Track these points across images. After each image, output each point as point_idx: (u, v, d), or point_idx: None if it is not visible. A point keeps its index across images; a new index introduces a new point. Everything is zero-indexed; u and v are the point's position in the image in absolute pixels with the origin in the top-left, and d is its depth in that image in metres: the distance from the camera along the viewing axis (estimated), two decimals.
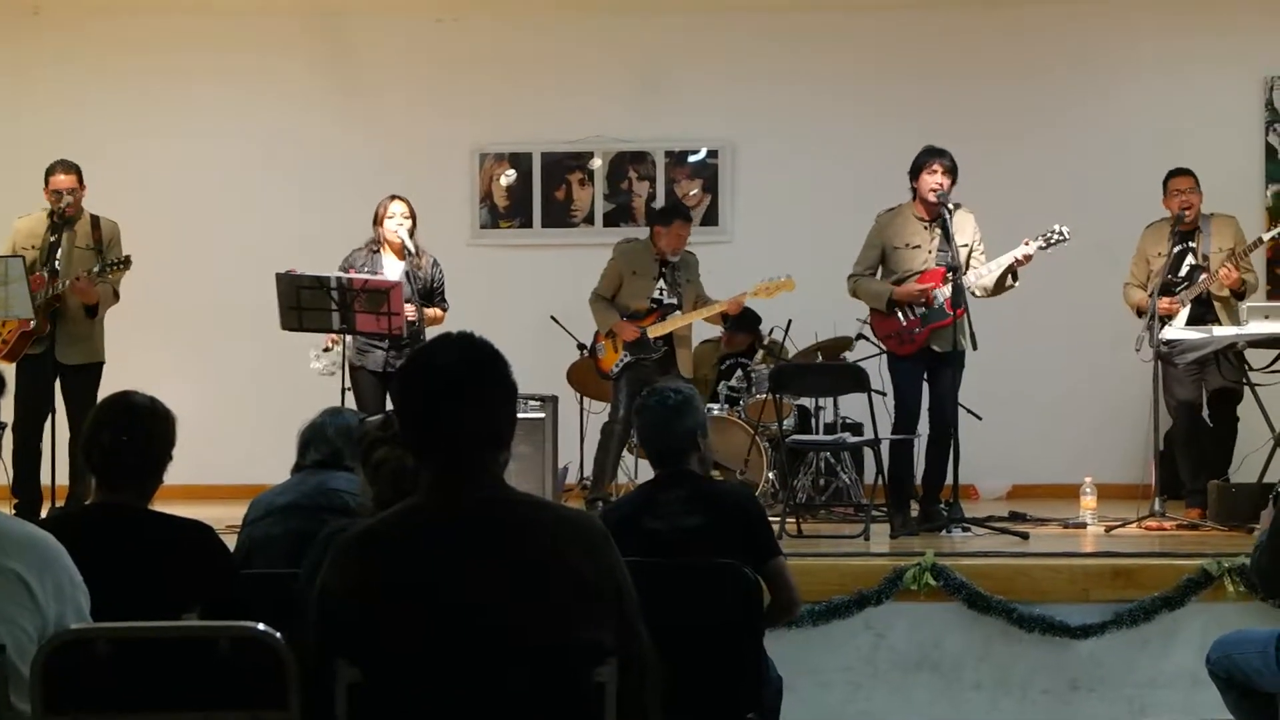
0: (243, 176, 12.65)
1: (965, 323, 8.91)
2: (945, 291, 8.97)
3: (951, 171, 9.03)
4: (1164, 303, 9.55)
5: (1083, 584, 7.72)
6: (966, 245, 9.13)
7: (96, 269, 9.36)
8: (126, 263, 9.43)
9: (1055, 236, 9.12)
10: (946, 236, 9.02)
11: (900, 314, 9.13)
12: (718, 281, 10.41)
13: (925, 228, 9.12)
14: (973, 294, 9.11)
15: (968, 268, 9.10)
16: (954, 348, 8.98)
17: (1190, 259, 9.75)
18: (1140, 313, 9.69)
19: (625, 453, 10.73)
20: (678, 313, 10.21)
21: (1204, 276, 9.63)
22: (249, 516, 5.64)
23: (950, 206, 8.99)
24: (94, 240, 9.54)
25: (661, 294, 10.27)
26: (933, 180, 9.00)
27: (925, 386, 9.24)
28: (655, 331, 10.15)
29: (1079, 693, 7.67)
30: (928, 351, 9.13)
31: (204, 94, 12.71)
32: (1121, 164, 12.13)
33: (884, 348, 9.49)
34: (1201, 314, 9.65)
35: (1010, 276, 9.15)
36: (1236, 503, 9.18)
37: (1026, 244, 9.03)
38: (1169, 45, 12.53)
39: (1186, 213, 9.68)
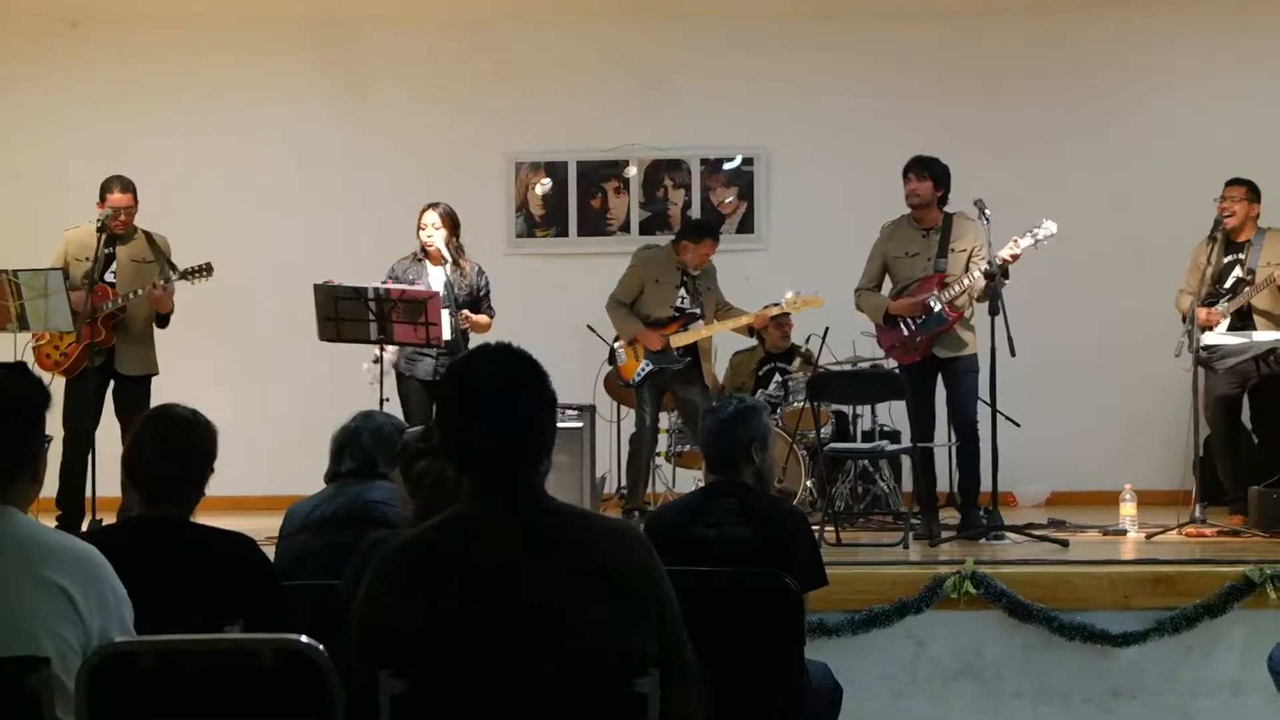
0: (282, 187, 12.72)
1: (1004, 326, 8.85)
2: (942, 297, 9.00)
3: (925, 176, 9.15)
4: (1204, 314, 9.50)
5: (1124, 591, 7.68)
6: (965, 251, 9.14)
7: (176, 276, 9.46)
8: (208, 269, 9.57)
9: (1042, 233, 9.07)
10: (944, 243, 9.08)
11: (902, 324, 9.18)
12: (754, 290, 10.41)
13: (923, 236, 9.20)
14: (972, 298, 9.09)
15: (967, 272, 9.11)
16: (961, 351, 9.00)
17: (1238, 270, 9.69)
18: (1185, 319, 9.64)
19: (663, 461, 10.74)
20: (699, 322, 10.20)
21: (1248, 289, 9.55)
22: (284, 529, 5.64)
23: (947, 213, 9.07)
24: (152, 254, 9.62)
25: (684, 302, 10.26)
26: (906, 188, 9.18)
27: (943, 393, 9.26)
28: (679, 341, 10.14)
29: (1120, 701, 7.63)
30: (933, 358, 9.15)
31: (242, 104, 12.79)
32: (1156, 168, 12.12)
33: (892, 360, 9.53)
34: (1242, 326, 9.57)
35: (1003, 275, 9.06)
36: (1277, 508, 9.13)
37: (1015, 241, 9.00)
38: (1205, 48, 12.51)
39: (1226, 219, 9.63)
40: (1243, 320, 9.61)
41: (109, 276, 9.52)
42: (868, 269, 9.43)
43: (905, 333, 9.18)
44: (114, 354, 9.52)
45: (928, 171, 9.17)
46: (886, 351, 9.54)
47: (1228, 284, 9.70)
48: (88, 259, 9.46)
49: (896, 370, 9.59)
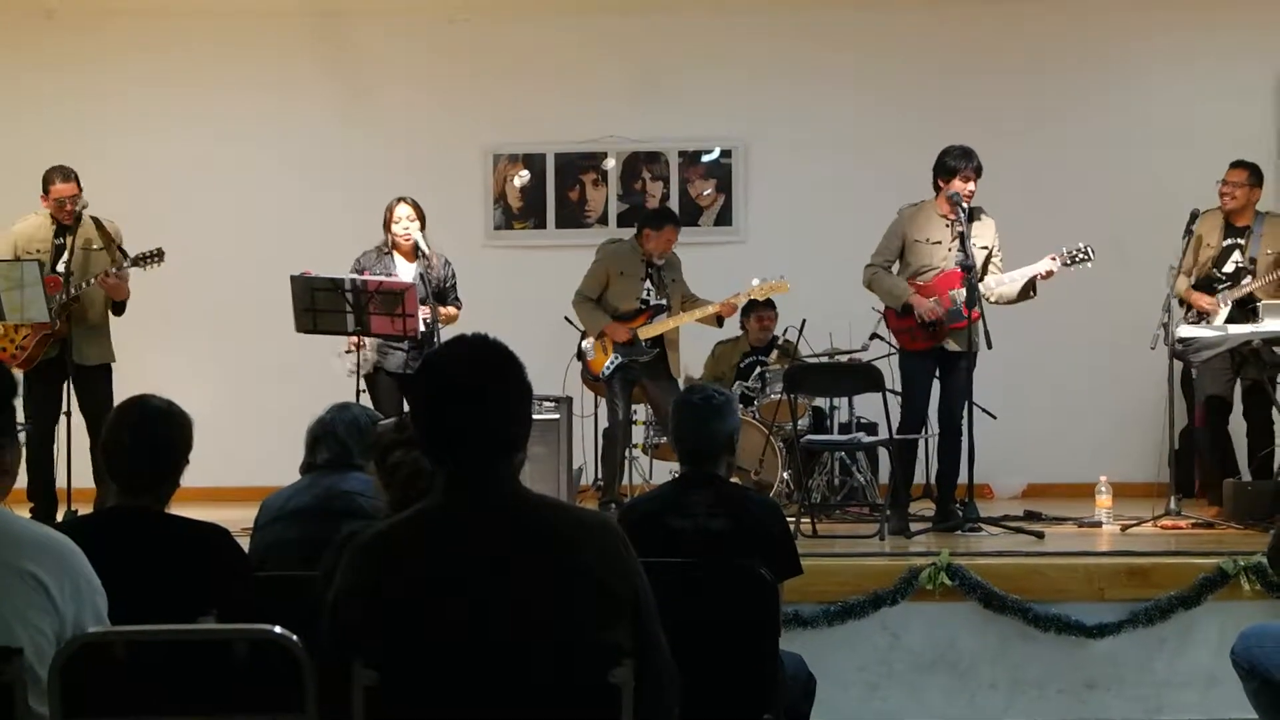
0: (255, 178, 12.69)
1: (980, 324, 8.90)
2: (964, 293, 8.95)
3: (978, 176, 9.05)
4: (1204, 301, 9.52)
5: (1098, 583, 7.72)
6: (986, 249, 9.13)
7: (127, 263, 9.41)
8: (159, 255, 9.50)
9: (1080, 255, 9.11)
10: (961, 238, 9.01)
11: (917, 316, 9.12)
12: (732, 281, 10.40)
13: (947, 225, 9.11)
14: (988, 300, 9.09)
15: (985, 272, 9.10)
16: (969, 347, 8.97)
17: (1237, 256, 9.69)
18: (1183, 302, 9.63)
19: (639, 454, 10.74)
20: (665, 314, 10.21)
21: (1248, 280, 9.56)
22: (259, 520, 5.63)
23: (965, 207, 8.97)
24: (101, 241, 9.56)
25: (649, 295, 10.27)
26: (967, 187, 9.01)
27: (936, 385, 9.24)
28: (646, 333, 10.15)
29: (1095, 692, 7.67)
30: (941, 349, 9.13)
31: (216, 96, 12.74)
32: (1134, 161, 12.15)
33: (896, 343, 9.48)
34: (1244, 318, 9.52)
35: (1031, 289, 9.14)
36: (1252, 501, 9.17)
37: (1053, 259, 9.03)
38: (1181, 40, 12.54)
39: (1226, 204, 9.64)
40: (1243, 307, 9.58)
41: (60, 267, 9.45)
42: (884, 246, 9.31)
43: (919, 323, 9.14)
44: (69, 345, 9.42)
45: (979, 168, 9.08)
46: (896, 334, 9.46)
47: (1226, 269, 9.71)
48: (39, 251, 9.43)
49: (894, 355, 9.56)
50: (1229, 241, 9.71)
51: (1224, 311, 9.54)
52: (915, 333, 9.17)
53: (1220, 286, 9.64)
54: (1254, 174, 9.72)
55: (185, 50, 12.73)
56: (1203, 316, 9.53)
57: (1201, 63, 12.47)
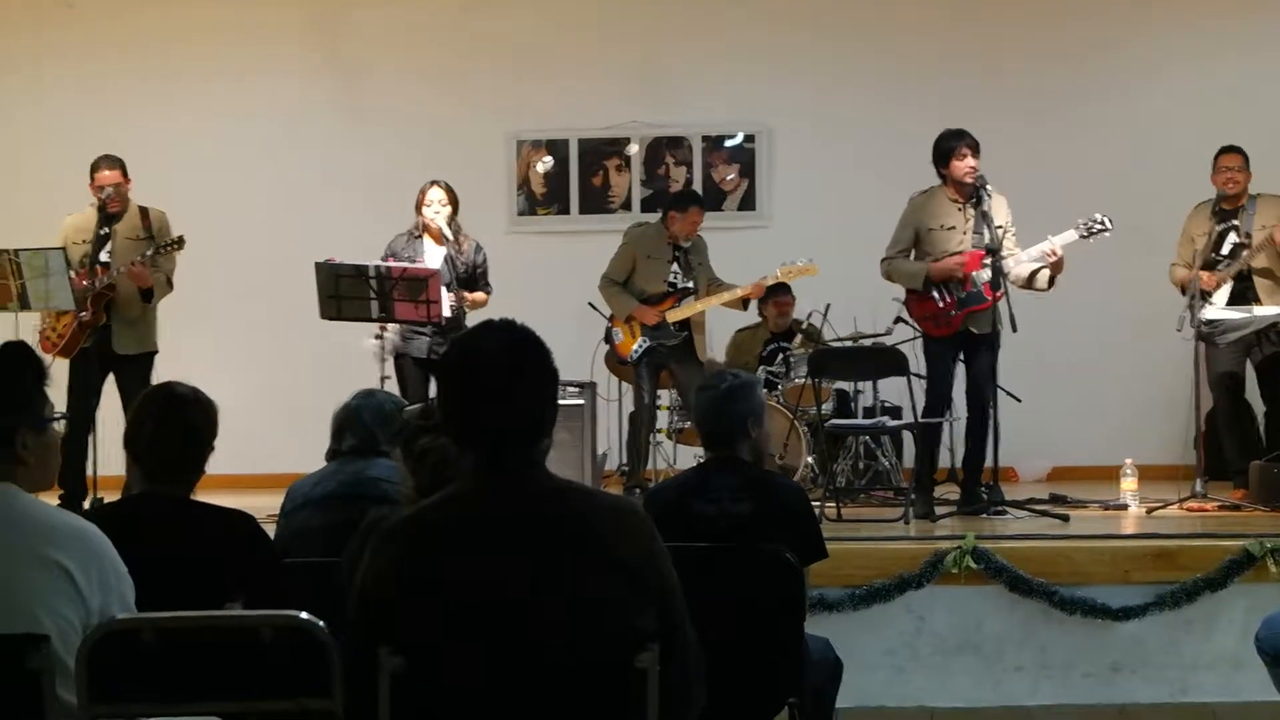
0: (281, 167, 12.72)
1: (1005, 305, 8.86)
2: (985, 275, 8.92)
3: (977, 150, 9.00)
4: (1206, 276, 9.52)
5: (1124, 566, 7.70)
6: (1001, 228, 9.07)
7: (150, 252, 9.44)
8: (180, 243, 9.55)
9: (1096, 226, 9.06)
10: (983, 217, 8.97)
11: (937, 295, 9.09)
12: (755, 266, 10.40)
13: (959, 209, 9.07)
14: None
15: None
16: (992, 329, 8.94)
17: (1234, 236, 9.73)
18: (1184, 290, 9.64)
19: (664, 438, 10.74)
20: (692, 297, 10.21)
21: (1246, 252, 9.58)
22: (286, 506, 5.65)
23: (988, 190, 8.94)
24: (144, 229, 9.61)
25: (676, 278, 10.26)
26: (965, 164, 8.96)
27: (961, 369, 9.22)
28: (674, 316, 10.15)
29: (1121, 674, 7.66)
30: (965, 334, 9.09)
31: (241, 85, 12.79)
32: (1158, 146, 12.11)
33: (920, 329, 9.46)
34: (1243, 290, 9.62)
35: (1049, 283, 9.07)
36: (1278, 483, 9.13)
37: (1050, 240, 8.95)
38: (1204, 25, 12.48)
39: (1229, 188, 9.66)
40: (1243, 284, 9.62)
41: (104, 256, 9.51)
42: (898, 237, 9.26)
43: (941, 305, 9.12)
44: (109, 334, 9.50)
45: (975, 143, 9.04)
46: (918, 322, 9.41)
47: (1225, 250, 9.73)
48: (85, 241, 9.48)
49: (918, 339, 9.56)
50: (1223, 225, 9.77)
51: (1226, 289, 9.56)
52: (938, 319, 9.14)
53: (1221, 267, 9.66)
54: (1246, 157, 9.79)
55: (205, 38, 12.75)
56: (1209, 297, 9.52)
57: (1225, 48, 12.42)
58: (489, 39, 12.81)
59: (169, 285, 9.75)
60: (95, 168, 9.59)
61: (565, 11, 12.84)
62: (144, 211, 9.69)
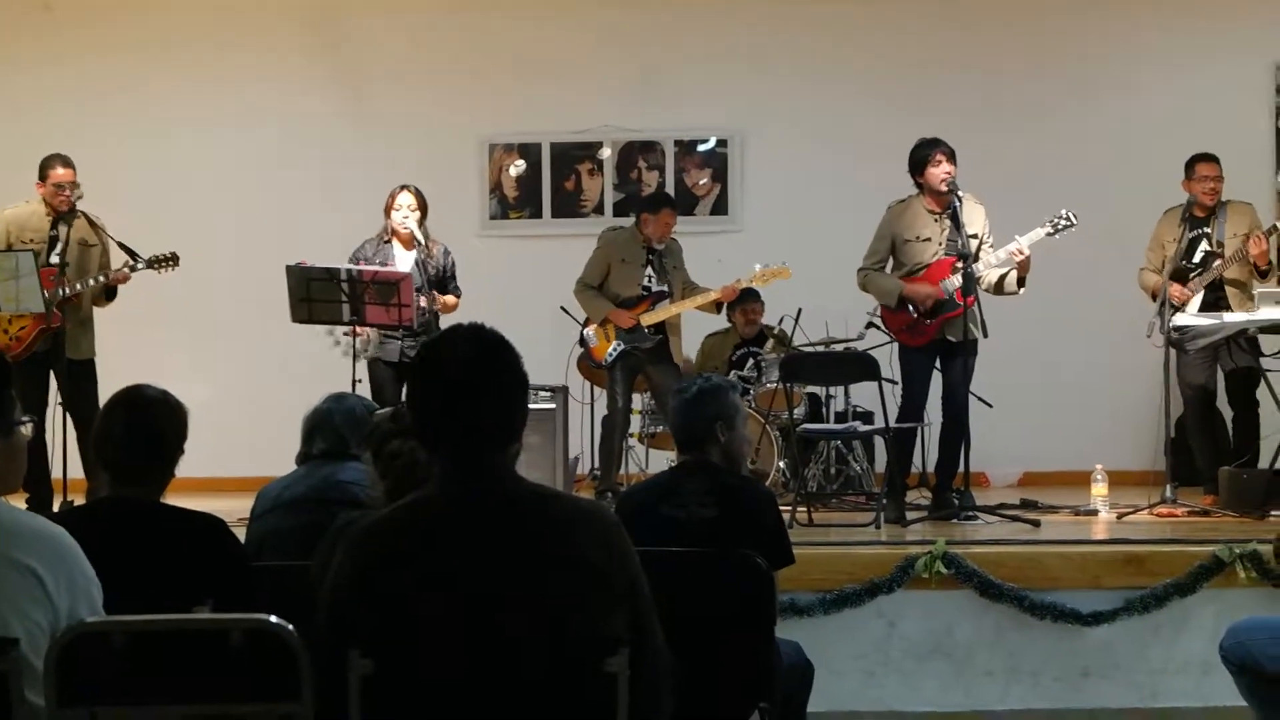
0: (251, 171, 12.69)
1: (976, 311, 8.90)
2: (955, 281, 8.95)
3: (952, 157, 9.03)
4: (1176, 289, 9.55)
5: (1094, 571, 7.72)
6: (976, 236, 9.10)
7: (141, 264, 9.43)
8: (174, 260, 9.59)
9: (1062, 222, 9.11)
10: (957, 225, 9.00)
11: (911, 307, 9.13)
12: (728, 271, 10.40)
13: (935, 220, 9.11)
14: (979, 286, 9.08)
15: (977, 258, 9.09)
16: (966, 336, 8.96)
17: (1205, 245, 9.75)
18: (1154, 296, 9.67)
19: (635, 443, 10.74)
20: (667, 301, 10.21)
21: (1218, 262, 9.62)
22: (256, 510, 5.62)
23: (959, 195, 8.96)
24: (95, 236, 9.58)
25: (651, 281, 10.27)
26: (940, 170, 9.00)
27: (937, 375, 9.25)
28: (649, 319, 10.15)
29: (1090, 680, 7.67)
30: (941, 341, 9.13)
31: (211, 89, 12.75)
32: (1131, 152, 12.16)
33: (896, 339, 9.48)
34: (1214, 299, 9.67)
35: (1018, 284, 9.11)
36: (1248, 489, 9.17)
37: (1017, 240, 8.98)
38: (1178, 32, 12.56)
39: (1208, 199, 9.69)
40: (1214, 293, 9.67)
41: (54, 258, 9.45)
42: (874, 248, 9.32)
43: (915, 316, 9.15)
44: (60, 338, 9.42)
45: (950, 151, 9.07)
46: (894, 334, 9.44)
47: (1196, 258, 9.75)
48: (32, 240, 9.42)
49: (891, 345, 9.57)
50: (1194, 233, 9.79)
51: (1197, 299, 9.60)
52: (913, 329, 9.17)
53: (1192, 275, 9.69)
54: (1220, 164, 9.81)
55: (180, 43, 12.72)
56: (1180, 307, 9.54)
57: (1198, 55, 12.48)
58: (463, 44, 12.80)
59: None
60: (49, 165, 9.51)
61: (538, 16, 12.83)
62: (88, 217, 9.60)
